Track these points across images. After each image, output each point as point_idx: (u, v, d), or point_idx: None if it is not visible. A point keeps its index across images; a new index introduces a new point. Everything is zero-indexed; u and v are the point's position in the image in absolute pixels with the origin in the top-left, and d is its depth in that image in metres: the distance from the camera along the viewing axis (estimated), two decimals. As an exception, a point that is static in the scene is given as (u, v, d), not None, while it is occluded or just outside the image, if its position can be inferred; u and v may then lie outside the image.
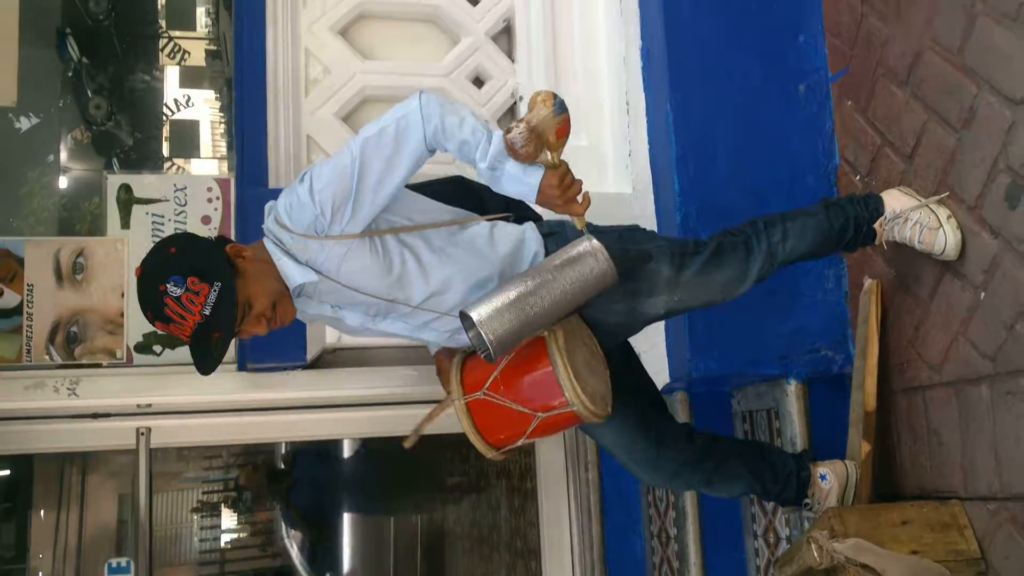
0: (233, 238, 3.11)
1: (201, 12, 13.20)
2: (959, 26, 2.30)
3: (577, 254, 1.97)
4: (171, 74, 13.78)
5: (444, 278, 2.05)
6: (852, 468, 2.46)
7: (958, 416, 2.30)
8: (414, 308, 2.08)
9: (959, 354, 2.30)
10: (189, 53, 11.99)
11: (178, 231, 3.04)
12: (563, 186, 1.89)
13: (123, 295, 3.21)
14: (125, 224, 3.24)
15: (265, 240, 2.03)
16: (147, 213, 3.24)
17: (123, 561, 3.25)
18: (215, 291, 1.87)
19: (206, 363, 1.93)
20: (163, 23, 12.01)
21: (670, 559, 3.15)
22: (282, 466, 7.02)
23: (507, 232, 2.15)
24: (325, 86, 3.25)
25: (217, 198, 3.26)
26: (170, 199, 3.25)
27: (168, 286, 1.86)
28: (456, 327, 2.11)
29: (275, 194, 2.99)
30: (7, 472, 5.74)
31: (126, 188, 3.24)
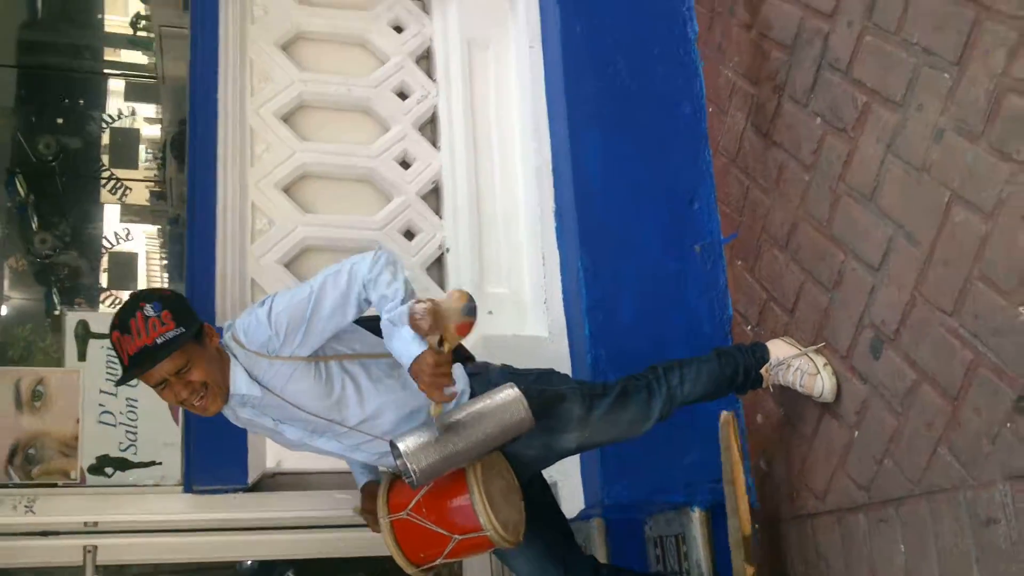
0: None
1: (142, 150, 13.25)
2: (827, 202, 2.55)
3: (501, 401, 2.07)
4: (111, 209, 13.69)
5: (378, 405, 2.16)
6: None
7: (841, 541, 2.43)
8: (349, 429, 2.18)
9: (839, 485, 2.45)
10: (131, 189, 11.96)
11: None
12: (435, 371, 1.95)
13: (78, 421, 3.31)
14: (82, 356, 3.35)
15: (225, 347, 2.13)
16: (102, 347, 3.33)
17: None
18: (174, 333, 1.99)
19: (124, 380, 2.06)
20: (106, 161, 12.03)
21: None
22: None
23: None
24: (269, 236, 3.37)
25: (168, 334, 3.32)
26: (122, 335, 3.30)
27: (147, 306, 2.02)
28: (385, 451, 2.20)
29: (220, 332, 3.07)
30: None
31: (83, 324, 3.37)
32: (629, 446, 2.56)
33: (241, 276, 3.27)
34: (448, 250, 3.53)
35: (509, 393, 2.09)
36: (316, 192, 3.58)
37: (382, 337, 2.26)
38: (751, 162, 2.99)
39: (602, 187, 3.19)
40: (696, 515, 2.88)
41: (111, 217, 13.98)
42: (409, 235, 3.54)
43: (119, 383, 2.09)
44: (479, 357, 2.56)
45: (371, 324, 2.29)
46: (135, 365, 2.00)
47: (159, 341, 1.97)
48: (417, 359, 1.96)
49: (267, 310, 2.07)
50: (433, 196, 3.65)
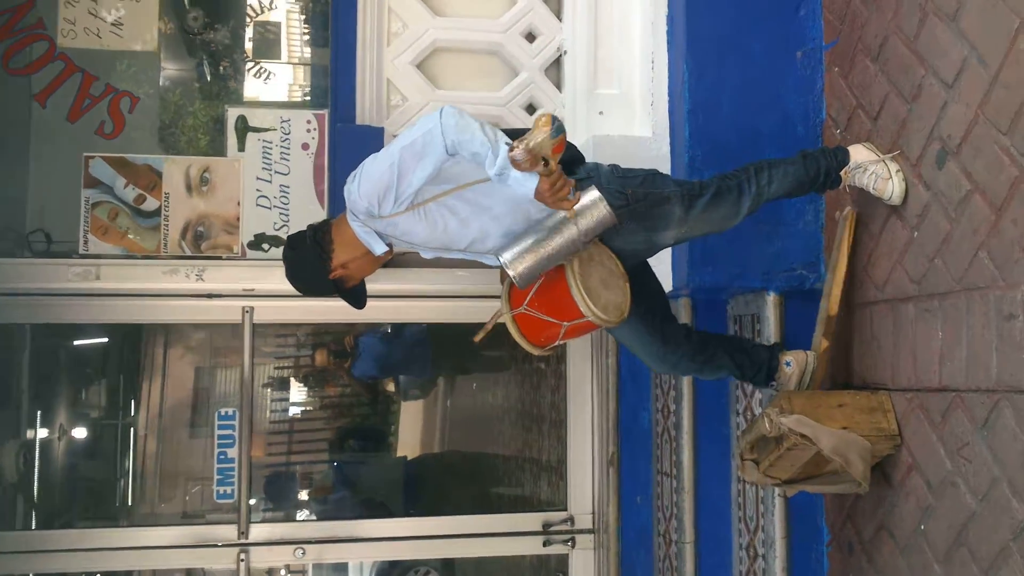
0: (326, 161, 3.64)
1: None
2: (915, 18, 2.68)
3: (585, 204, 2.36)
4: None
5: (480, 226, 2.48)
6: (812, 358, 2.90)
7: (892, 326, 2.77)
8: (463, 251, 2.56)
9: (896, 278, 2.76)
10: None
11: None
12: (554, 189, 2.27)
13: (239, 203, 3.77)
14: (241, 147, 3.78)
15: (348, 216, 2.48)
16: (259, 139, 3.77)
17: (230, 410, 3.90)
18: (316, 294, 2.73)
19: (359, 304, 2.66)
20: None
21: (669, 429, 3.69)
22: (347, 345, 7.58)
23: None
24: (403, 38, 3.67)
25: (314, 128, 3.77)
26: (277, 128, 3.77)
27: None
28: None
29: (361, 130, 3.50)
30: (105, 341, 6.37)
31: (242, 119, 3.77)
32: (715, 237, 2.88)
33: (378, 77, 3.61)
34: (565, 52, 3.74)
35: (592, 195, 2.37)
36: (444, -4, 3.83)
37: None
38: (856, -29, 3.08)
39: (713, -7, 3.33)
40: (771, 298, 3.22)
41: (254, -18, 14.19)
42: (530, 37, 3.76)
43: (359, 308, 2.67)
44: (589, 157, 2.89)
45: None
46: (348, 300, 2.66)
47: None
48: (537, 191, 2.27)
49: (357, 186, 2.36)
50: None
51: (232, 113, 3.79)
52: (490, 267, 2.85)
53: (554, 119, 2.18)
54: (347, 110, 3.56)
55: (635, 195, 2.48)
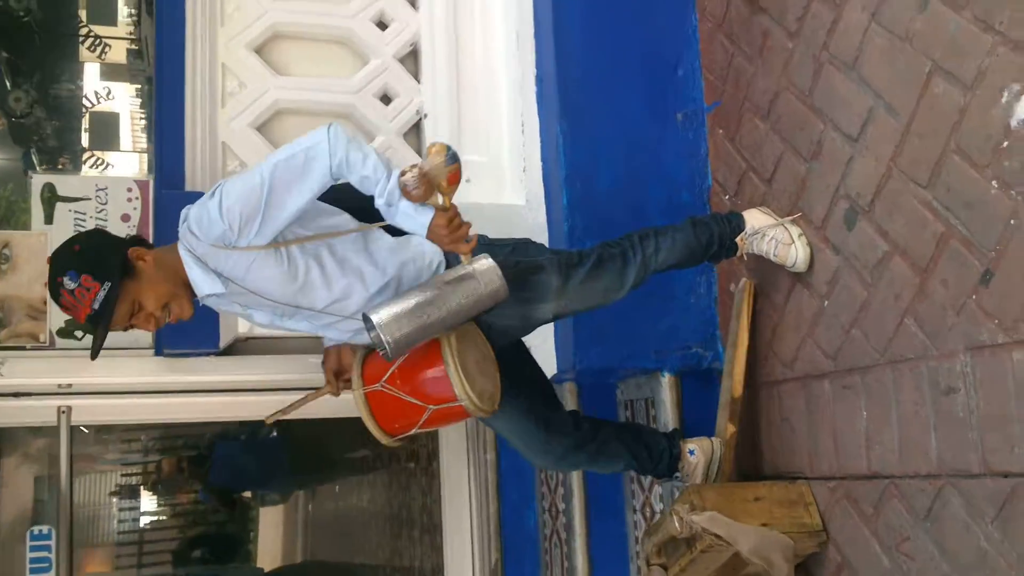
0: (151, 236, 3.15)
1: (122, 5, 12.75)
2: (809, 71, 2.49)
3: (474, 271, 2.07)
4: (91, 68, 13.29)
5: (345, 286, 2.12)
6: (717, 444, 2.62)
7: (805, 407, 2.50)
8: (318, 312, 2.16)
9: (807, 353, 2.50)
10: (110, 47, 11.62)
11: (97, 228, 2.86)
12: (451, 227, 2.00)
13: (45, 284, 3.19)
14: (48, 220, 3.25)
15: (179, 245, 2.07)
16: (70, 210, 3.24)
17: (44, 529, 3.24)
18: (104, 290, 1.95)
19: (94, 350, 2.05)
20: (84, 17, 11.60)
21: (559, 531, 3.30)
22: (200, 451, 6.97)
23: (408, 242, 2.21)
24: (240, 99, 3.26)
25: (136, 198, 3.26)
26: (92, 198, 3.25)
27: (64, 279, 1.96)
28: (358, 327, 2.19)
29: (191, 197, 3.02)
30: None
31: (50, 187, 3.24)
32: (602, 313, 2.58)
33: (212, 140, 3.17)
34: (426, 116, 3.43)
35: (483, 263, 2.09)
36: (290, 53, 3.44)
37: (353, 204, 2.23)
38: (736, 28, 2.90)
39: (584, 53, 3.09)
40: (666, 380, 2.92)
41: (91, 76, 13.57)
42: (386, 99, 3.43)
43: (93, 355, 2.06)
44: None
45: (337, 193, 2.19)
46: (92, 331, 2.04)
47: (96, 307, 1.96)
48: (430, 228, 1.98)
49: (217, 202, 1.97)
50: (411, 59, 3.52)
51: (38, 181, 3.25)
52: (329, 343, 2.42)
53: (448, 147, 1.94)
54: (175, 176, 3.09)
55: (505, 263, 2.18)
